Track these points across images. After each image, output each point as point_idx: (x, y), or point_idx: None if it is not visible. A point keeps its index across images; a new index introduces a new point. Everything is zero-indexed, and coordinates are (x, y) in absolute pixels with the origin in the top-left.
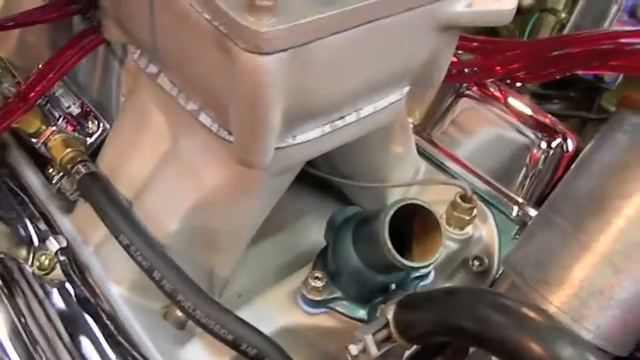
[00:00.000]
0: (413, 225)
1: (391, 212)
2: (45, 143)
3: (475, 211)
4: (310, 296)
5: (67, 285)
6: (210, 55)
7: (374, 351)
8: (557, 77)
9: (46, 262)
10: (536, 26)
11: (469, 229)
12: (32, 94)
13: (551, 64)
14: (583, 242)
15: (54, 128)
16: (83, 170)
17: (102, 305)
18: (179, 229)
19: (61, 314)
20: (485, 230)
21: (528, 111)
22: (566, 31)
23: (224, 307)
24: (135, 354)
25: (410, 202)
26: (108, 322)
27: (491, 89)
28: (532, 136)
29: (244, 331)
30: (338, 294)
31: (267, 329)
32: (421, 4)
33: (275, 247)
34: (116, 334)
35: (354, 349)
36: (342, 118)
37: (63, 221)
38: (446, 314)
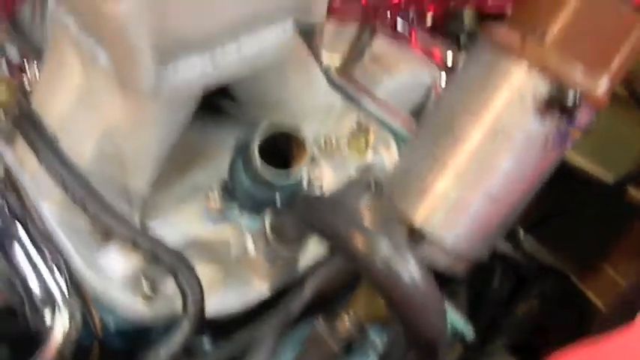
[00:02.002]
0: (292, 149)
1: (260, 131)
2: None
3: (371, 139)
4: (209, 207)
5: (4, 204)
6: None
7: (251, 248)
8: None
9: None
10: None
11: (369, 155)
12: None
13: None
14: (437, 156)
15: None
16: (17, 108)
17: (33, 218)
18: (93, 154)
19: None
20: (388, 157)
21: (433, 48)
22: None
23: (121, 216)
24: (57, 256)
25: (278, 125)
26: (35, 232)
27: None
28: (435, 72)
29: (141, 236)
30: (235, 207)
31: (175, 237)
32: None
33: (205, 175)
34: (40, 241)
35: (235, 249)
36: (222, 55)
37: (6, 152)
38: (302, 216)
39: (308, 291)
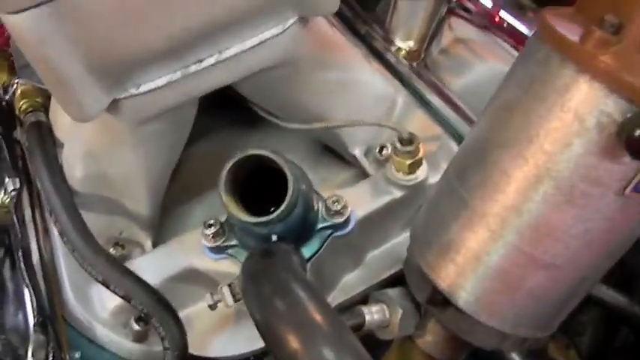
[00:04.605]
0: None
1: (228, 166)
2: (14, 94)
3: (420, 154)
4: (205, 242)
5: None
6: None
7: (230, 301)
8: None
9: (7, 200)
10: None
11: (420, 173)
12: None
13: None
14: (463, 199)
15: (17, 80)
16: (32, 119)
17: (40, 240)
18: (82, 175)
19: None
20: None
21: (523, 29)
22: None
23: (99, 250)
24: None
25: (252, 153)
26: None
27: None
28: None
29: (115, 275)
30: (234, 242)
31: (172, 269)
32: None
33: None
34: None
35: (209, 299)
36: (198, 62)
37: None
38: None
39: None
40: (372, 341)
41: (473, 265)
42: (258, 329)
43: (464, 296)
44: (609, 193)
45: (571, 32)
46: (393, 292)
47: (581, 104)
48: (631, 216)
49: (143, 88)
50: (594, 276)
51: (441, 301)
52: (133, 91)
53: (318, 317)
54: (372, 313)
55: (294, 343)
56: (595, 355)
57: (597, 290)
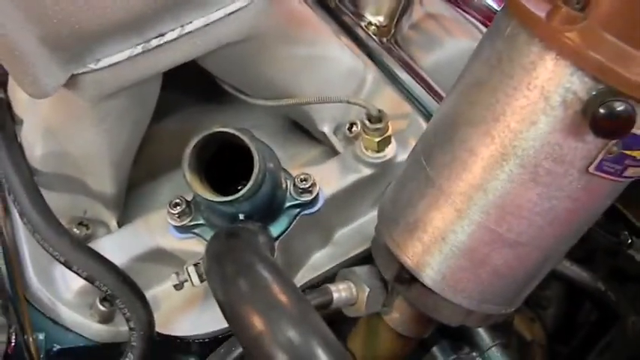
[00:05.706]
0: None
1: (192, 145)
2: None
3: (389, 132)
4: (171, 221)
5: None
6: None
7: (196, 281)
8: None
9: None
10: None
11: (388, 151)
12: None
13: None
14: (430, 178)
15: None
16: None
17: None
18: (43, 153)
19: None
20: None
21: (493, 5)
22: None
23: (60, 230)
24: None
25: (217, 130)
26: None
27: None
28: None
29: (78, 256)
30: (200, 221)
31: (138, 248)
32: None
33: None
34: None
35: (174, 279)
36: (160, 35)
37: None
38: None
39: None
40: (340, 317)
41: (439, 244)
42: (222, 310)
43: (430, 274)
44: (573, 171)
45: (538, 8)
46: (360, 270)
47: (547, 82)
48: (594, 194)
49: (102, 63)
50: (559, 253)
51: (407, 278)
52: (92, 66)
53: (282, 298)
54: (340, 291)
55: (258, 324)
56: (559, 328)
57: (561, 266)
